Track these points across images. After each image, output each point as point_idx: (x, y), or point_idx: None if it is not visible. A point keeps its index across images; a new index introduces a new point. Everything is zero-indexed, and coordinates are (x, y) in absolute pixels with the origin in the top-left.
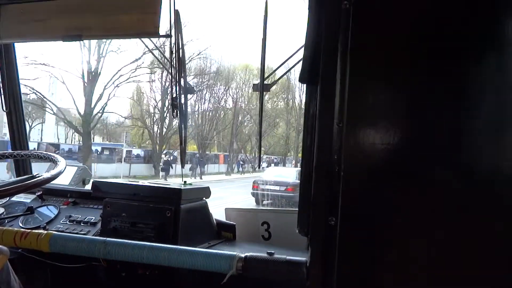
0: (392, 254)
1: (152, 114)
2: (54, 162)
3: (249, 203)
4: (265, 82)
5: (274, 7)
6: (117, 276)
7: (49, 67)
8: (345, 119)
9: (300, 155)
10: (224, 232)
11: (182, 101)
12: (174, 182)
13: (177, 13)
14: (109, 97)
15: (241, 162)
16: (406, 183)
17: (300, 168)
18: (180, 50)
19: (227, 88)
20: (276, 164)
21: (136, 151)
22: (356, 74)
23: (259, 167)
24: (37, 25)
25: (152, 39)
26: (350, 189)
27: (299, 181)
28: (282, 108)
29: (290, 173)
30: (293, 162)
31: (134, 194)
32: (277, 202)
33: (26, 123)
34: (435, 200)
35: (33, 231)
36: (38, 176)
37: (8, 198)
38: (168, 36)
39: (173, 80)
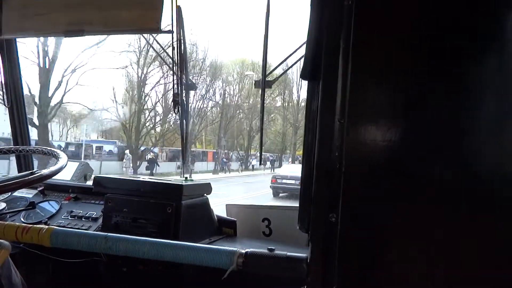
0: (392, 251)
1: (127, 105)
2: (56, 157)
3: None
4: (267, 78)
5: (276, 3)
6: (118, 271)
7: None
8: (346, 116)
9: (299, 152)
10: (225, 228)
11: (184, 97)
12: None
13: (179, 9)
14: (66, 84)
15: (225, 160)
16: (407, 180)
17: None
18: (182, 46)
19: (213, 80)
20: (272, 162)
21: (108, 147)
22: (358, 71)
23: (260, 164)
24: (38, 20)
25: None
26: (351, 186)
27: None
28: (279, 103)
29: None
30: (290, 160)
31: (136, 190)
32: (292, 194)
33: None
34: (436, 198)
35: (35, 226)
36: (39, 172)
37: (10, 193)
38: (169, 32)
39: (175, 76)
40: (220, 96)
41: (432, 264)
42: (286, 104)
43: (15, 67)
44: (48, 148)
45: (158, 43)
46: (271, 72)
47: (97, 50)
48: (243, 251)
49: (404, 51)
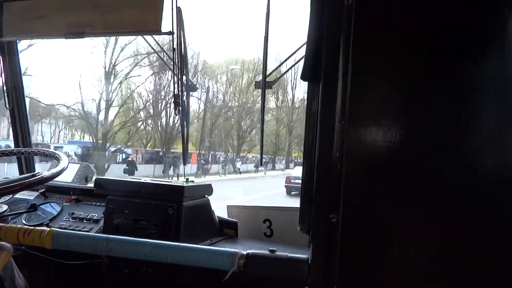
0: (393, 251)
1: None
2: (57, 159)
3: None
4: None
5: (276, 3)
6: (119, 273)
7: None
8: (347, 116)
9: (294, 154)
10: (226, 229)
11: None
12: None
13: (179, 10)
14: None
15: (203, 162)
16: (407, 180)
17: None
18: (183, 48)
19: (195, 73)
20: (265, 165)
21: (68, 147)
22: (358, 72)
23: (261, 165)
24: (39, 22)
25: (155, 36)
26: (351, 186)
27: None
28: (272, 103)
29: None
30: (283, 162)
31: (137, 191)
32: None
33: None
34: (436, 198)
35: (36, 228)
36: (41, 174)
37: (11, 195)
38: (170, 33)
39: (175, 77)
40: (204, 93)
41: (433, 265)
42: (280, 104)
43: (16, 69)
44: (50, 150)
45: (158, 44)
46: (271, 72)
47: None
48: (244, 253)
49: (404, 51)
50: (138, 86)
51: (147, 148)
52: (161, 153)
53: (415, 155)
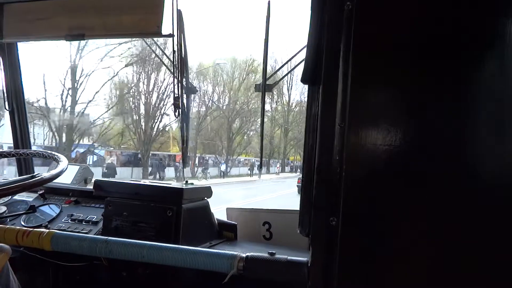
0: (393, 255)
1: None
2: (56, 161)
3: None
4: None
5: (276, 6)
6: (118, 275)
7: None
8: (347, 119)
9: (292, 158)
10: (225, 232)
11: (185, 101)
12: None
13: (179, 13)
14: None
15: (178, 164)
16: (408, 184)
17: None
18: (183, 50)
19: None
20: (259, 168)
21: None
22: (358, 75)
23: (261, 167)
24: (40, 24)
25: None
26: (351, 189)
27: None
28: (267, 105)
29: None
30: (278, 166)
31: (136, 194)
32: None
33: None
34: (437, 201)
35: (35, 229)
36: (40, 175)
37: (10, 197)
38: (170, 36)
39: (175, 80)
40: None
41: (434, 268)
42: (275, 104)
43: (16, 71)
44: (49, 151)
45: (158, 46)
46: (271, 75)
47: None
48: (244, 255)
49: (404, 54)
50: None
51: (124, 150)
52: (139, 155)
53: (415, 159)
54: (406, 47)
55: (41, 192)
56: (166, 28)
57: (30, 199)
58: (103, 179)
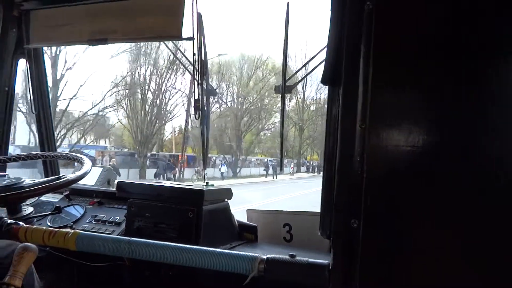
0: (415, 257)
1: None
2: (80, 163)
3: None
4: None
5: (296, 7)
6: (141, 275)
7: None
8: (368, 120)
9: (309, 157)
10: (245, 234)
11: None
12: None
13: (199, 16)
14: None
15: (171, 164)
16: (429, 185)
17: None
18: (203, 53)
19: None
20: (274, 168)
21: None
22: (379, 76)
23: (281, 169)
24: (63, 29)
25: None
26: (373, 191)
27: None
28: (276, 97)
29: None
30: (292, 166)
31: (158, 195)
32: None
33: None
34: (460, 202)
35: (61, 230)
36: (65, 177)
37: (37, 198)
38: (190, 39)
39: (196, 82)
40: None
41: (457, 272)
42: (288, 102)
43: (42, 75)
44: (74, 153)
45: (179, 50)
46: (290, 77)
47: None
48: (264, 257)
49: (425, 54)
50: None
51: (119, 150)
52: (136, 156)
53: (437, 159)
54: (427, 47)
55: (66, 193)
56: (186, 31)
57: (56, 200)
58: (126, 180)
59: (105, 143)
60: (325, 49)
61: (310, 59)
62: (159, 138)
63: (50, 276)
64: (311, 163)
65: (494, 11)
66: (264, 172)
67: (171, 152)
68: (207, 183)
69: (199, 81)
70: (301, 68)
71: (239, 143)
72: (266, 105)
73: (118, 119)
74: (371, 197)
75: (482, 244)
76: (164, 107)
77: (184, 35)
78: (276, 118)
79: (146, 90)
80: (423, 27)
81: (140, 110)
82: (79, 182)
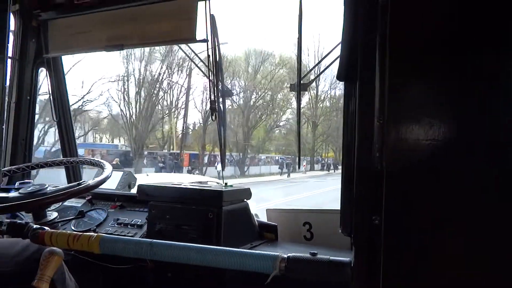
0: (438, 254)
1: None
2: (101, 167)
3: None
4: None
5: (309, 1)
6: (163, 276)
7: None
8: (386, 115)
9: (324, 155)
10: (266, 233)
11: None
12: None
13: (213, 18)
14: None
15: (160, 164)
16: (452, 181)
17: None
18: (217, 54)
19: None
20: (289, 166)
21: None
22: (396, 70)
23: (298, 167)
24: (81, 37)
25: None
26: (393, 187)
27: None
28: (288, 93)
29: None
30: (304, 163)
31: (178, 197)
32: None
33: None
34: (484, 197)
35: (84, 233)
36: (86, 182)
37: (60, 203)
38: (204, 41)
39: (211, 84)
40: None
41: (484, 271)
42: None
43: (61, 83)
44: (95, 159)
45: (194, 52)
46: (306, 74)
47: None
48: (285, 256)
49: (443, 47)
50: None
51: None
52: (131, 154)
53: (459, 154)
54: (444, 40)
55: (88, 198)
56: (200, 34)
57: (79, 205)
58: (146, 183)
59: (119, 141)
60: (340, 44)
61: (325, 56)
62: (169, 136)
63: (76, 278)
64: (326, 160)
65: None
66: (275, 171)
67: (178, 150)
68: (226, 183)
69: (215, 83)
70: (316, 66)
71: (247, 140)
72: (274, 100)
73: (110, 112)
74: (391, 192)
75: (510, 242)
76: (161, 101)
77: (198, 38)
78: (289, 114)
79: (141, 83)
80: (440, 19)
81: (135, 104)
82: (101, 187)
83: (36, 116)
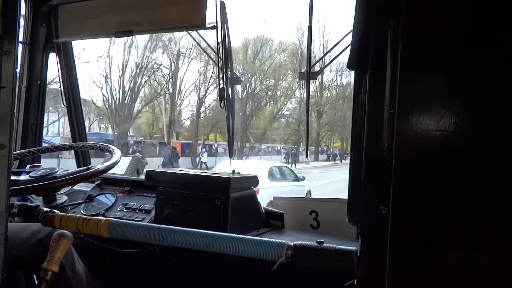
0: (446, 246)
1: None
2: (111, 153)
3: None
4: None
5: None
6: (170, 261)
7: None
8: (396, 105)
9: (330, 144)
10: (272, 221)
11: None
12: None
13: (222, 4)
14: None
15: (139, 155)
16: (462, 172)
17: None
18: (227, 42)
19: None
20: (293, 156)
21: None
22: (407, 60)
23: (306, 156)
24: (91, 22)
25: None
26: (402, 177)
27: None
28: (290, 78)
29: None
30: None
31: (185, 184)
32: None
33: None
34: (496, 194)
35: (93, 217)
36: (95, 167)
37: (70, 187)
38: (214, 27)
39: (220, 71)
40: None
41: (489, 263)
42: (303, 83)
43: (71, 68)
44: (104, 144)
45: (203, 39)
46: (316, 62)
47: None
48: (292, 244)
49: (456, 37)
50: None
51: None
52: (115, 143)
53: (469, 145)
54: (458, 30)
55: (97, 182)
56: (209, 20)
57: (88, 189)
58: (154, 169)
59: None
60: (351, 33)
61: (335, 44)
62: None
63: (85, 261)
64: (331, 150)
65: None
66: (277, 161)
67: (179, 139)
68: (233, 171)
69: (224, 70)
70: (326, 54)
71: (244, 128)
72: (273, 86)
73: (92, 100)
74: (400, 182)
75: None
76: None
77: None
78: (292, 104)
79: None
80: (453, 9)
81: (117, 89)
82: (110, 172)
83: (51, 103)
